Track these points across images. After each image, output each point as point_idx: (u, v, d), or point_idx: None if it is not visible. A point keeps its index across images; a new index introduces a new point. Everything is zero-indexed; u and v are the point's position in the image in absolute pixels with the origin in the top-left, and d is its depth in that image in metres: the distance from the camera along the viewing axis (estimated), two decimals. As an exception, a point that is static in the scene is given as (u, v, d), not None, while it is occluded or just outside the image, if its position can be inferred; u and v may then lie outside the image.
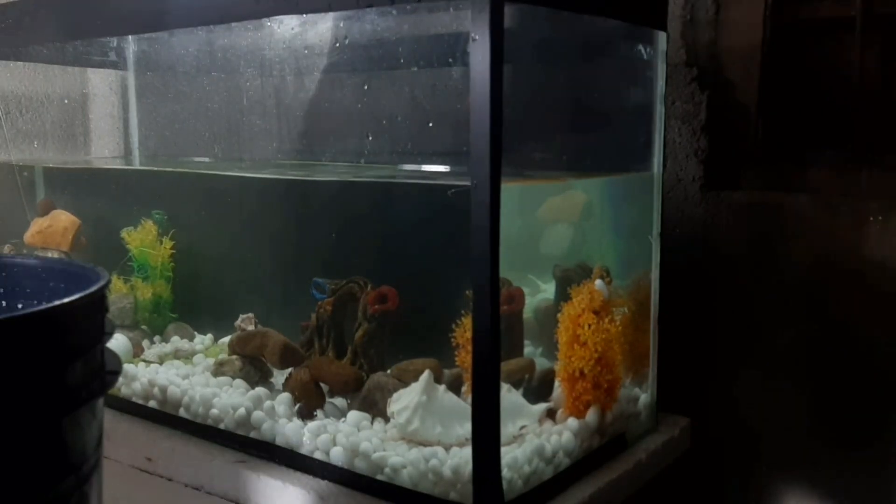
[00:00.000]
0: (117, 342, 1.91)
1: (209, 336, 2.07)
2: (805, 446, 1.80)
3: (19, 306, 0.79)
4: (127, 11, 1.70)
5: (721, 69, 1.92)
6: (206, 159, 2.06)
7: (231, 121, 1.99)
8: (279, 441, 1.53)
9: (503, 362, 1.35)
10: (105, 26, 1.79)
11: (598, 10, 1.49)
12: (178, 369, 1.86)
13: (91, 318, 0.67)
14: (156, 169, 2.20)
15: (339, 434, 1.48)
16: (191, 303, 2.08)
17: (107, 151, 2.38)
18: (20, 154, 2.16)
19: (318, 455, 1.47)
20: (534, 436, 1.44)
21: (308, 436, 1.49)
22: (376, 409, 1.53)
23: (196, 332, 2.08)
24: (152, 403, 1.75)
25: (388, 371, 1.60)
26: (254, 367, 1.77)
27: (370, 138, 1.75)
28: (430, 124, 1.70)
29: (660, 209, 1.69)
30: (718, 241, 1.88)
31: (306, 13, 1.48)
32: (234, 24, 1.67)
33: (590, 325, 1.49)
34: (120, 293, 2.05)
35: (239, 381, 1.73)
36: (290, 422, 1.55)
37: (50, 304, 0.64)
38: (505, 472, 1.30)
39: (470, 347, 1.28)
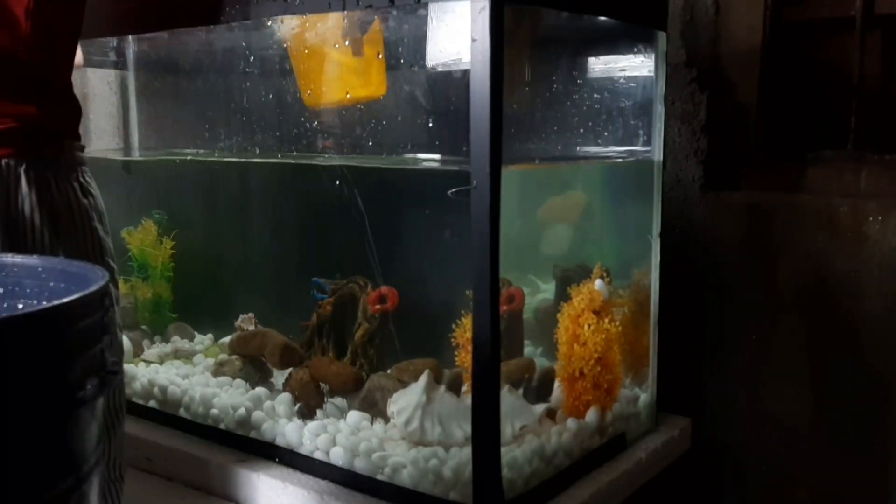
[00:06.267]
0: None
1: (209, 336, 2.07)
2: (805, 446, 1.80)
3: (19, 306, 0.79)
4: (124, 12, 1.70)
5: (721, 69, 1.92)
6: (203, 151, 2.07)
7: (229, 118, 1.99)
8: (279, 441, 1.53)
9: (503, 362, 1.35)
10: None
11: (598, 11, 1.49)
12: (178, 369, 1.86)
13: (91, 318, 0.67)
14: (164, 158, 2.20)
15: (339, 434, 1.48)
16: (192, 301, 2.08)
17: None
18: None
19: (318, 455, 1.47)
20: (534, 436, 1.44)
21: (308, 436, 1.49)
22: (376, 409, 1.53)
23: (196, 332, 2.08)
24: (152, 403, 1.75)
25: (388, 371, 1.60)
26: (254, 367, 1.77)
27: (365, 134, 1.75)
28: (431, 124, 1.70)
29: (660, 209, 1.69)
30: (718, 241, 1.88)
31: (306, 14, 1.48)
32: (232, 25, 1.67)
33: (590, 325, 1.49)
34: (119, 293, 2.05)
35: (239, 381, 1.73)
36: (290, 422, 1.55)
37: (50, 304, 0.64)
38: (505, 472, 1.30)
39: (470, 347, 1.28)
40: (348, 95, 1.70)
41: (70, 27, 1.20)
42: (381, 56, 1.63)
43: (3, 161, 1.08)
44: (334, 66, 1.66)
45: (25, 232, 1.09)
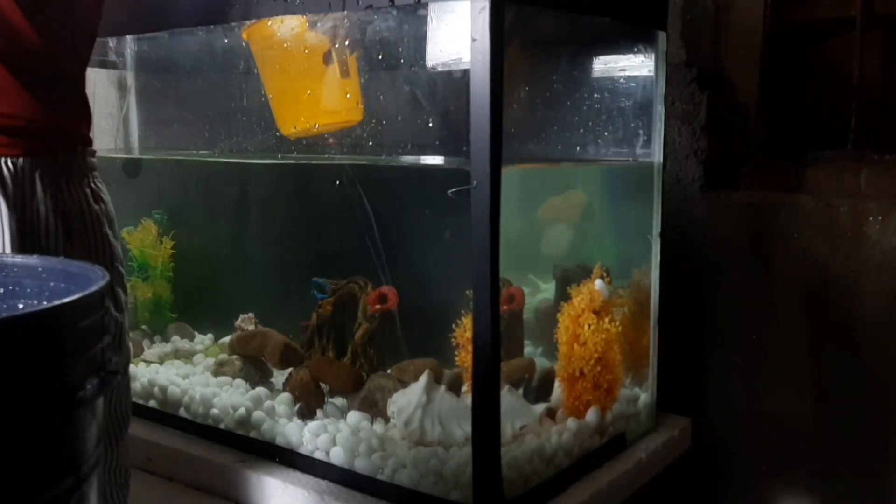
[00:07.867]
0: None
1: (209, 336, 2.07)
2: (805, 446, 1.80)
3: (19, 306, 0.79)
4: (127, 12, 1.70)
5: (721, 69, 1.92)
6: (204, 151, 2.07)
7: (229, 118, 1.99)
8: (279, 441, 1.53)
9: (503, 362, 1.35)
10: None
11: (598, 11, 1.49)
12: (178, 369, 1.86)
13: (91, 318, 0.67)
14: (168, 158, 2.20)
15: (339, 434, 1.48)
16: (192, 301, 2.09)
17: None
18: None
19: (318, 455, 1.47)
20: (534, 436, 1.44)
21: (308, 436, 1.49)
22: (376, 409, 1.53)
23: (196, 332, 2.08)
24: (152, 403, 1.75)
25: (388, 371, 1.60)
26: (254, 367, 1.77)
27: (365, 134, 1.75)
28: (430, 124, 1.70)
29: (660, 209, 1.69)
30: (718, 241, 1.88)
31: (306, 13, 1.48)
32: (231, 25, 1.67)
33: (590, 325, 1.49)
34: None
35: (239, 381, 1.74)
36: (290, 422, 1.55)
37: (50, 304, 0.64)
38: (505, 472, 1.30)
39: (470, 347, 1.28)
40: (317, 126, 1.68)
41: (85, 28, 1.18)
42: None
43: (19, 165, 1.07)
44: (321, 86, 1.64)
45: (40, 236, 1.08)
